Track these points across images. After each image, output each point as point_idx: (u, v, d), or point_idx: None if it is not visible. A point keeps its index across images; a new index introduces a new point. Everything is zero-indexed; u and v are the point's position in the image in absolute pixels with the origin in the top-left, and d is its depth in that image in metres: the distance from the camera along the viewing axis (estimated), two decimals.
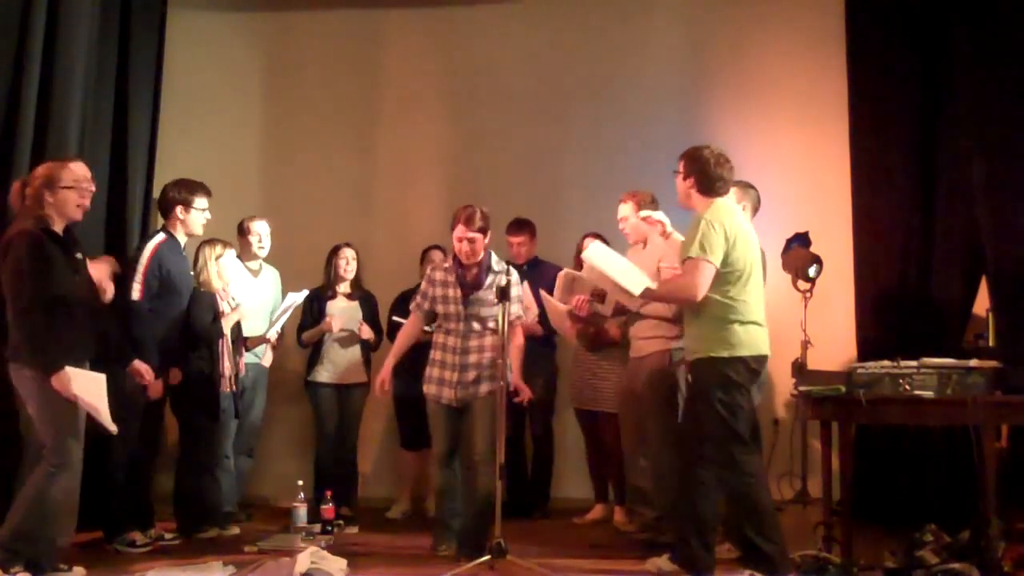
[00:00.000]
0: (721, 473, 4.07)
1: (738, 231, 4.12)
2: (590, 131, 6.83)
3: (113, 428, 4.15)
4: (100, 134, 5.73)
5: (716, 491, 4.12)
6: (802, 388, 4.62)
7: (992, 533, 4.05)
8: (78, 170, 4.41)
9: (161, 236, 5.11)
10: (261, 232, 5.91)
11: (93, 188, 4.58)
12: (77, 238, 4.30)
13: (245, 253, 5.88)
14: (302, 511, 5.10)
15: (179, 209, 5.10)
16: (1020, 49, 5.53)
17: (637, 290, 4.24)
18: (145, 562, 4.49)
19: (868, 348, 5.76)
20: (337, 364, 5.92)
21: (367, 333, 5.94)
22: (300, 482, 5.28)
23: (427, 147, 7.02)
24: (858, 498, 4.75)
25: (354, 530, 5.51)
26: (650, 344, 4.87)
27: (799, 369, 5.36)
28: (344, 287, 6.00)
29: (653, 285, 4.30)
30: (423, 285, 4.93)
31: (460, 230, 4.71)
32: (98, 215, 5.48)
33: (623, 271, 4.36)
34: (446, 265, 4.90)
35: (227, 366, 5.29)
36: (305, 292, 5.78)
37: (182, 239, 5.16)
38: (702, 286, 4.05)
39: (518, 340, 4.80)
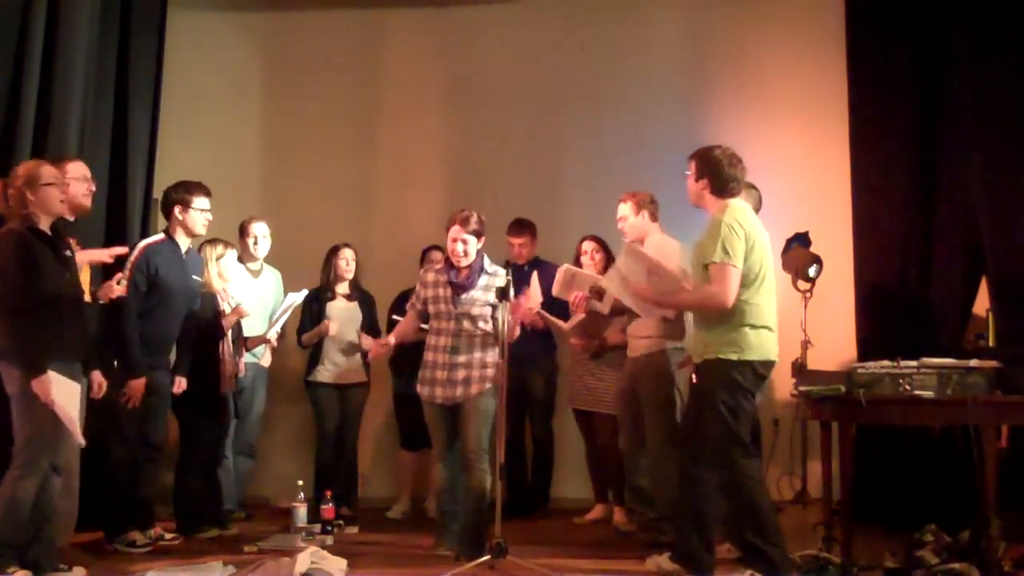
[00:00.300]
0: (721, 475, 4.06)
1: (756, 234, 4.09)
2: (590, 131, 6.83)
3: (81, 440, 4.08)
4: (100, 134, 5.73)
5: (717, 491, 4.12)
6: (802, 388, 4.61)
7: (992, 533, 4.05)
8: (75, 172, 4.42)
9: (157, 237, 5.09)
10: (258, 233, 5.91)
11: (93, 187, 4.59)
12: (65, 236, 4.25)
13: (245, 254, 5.89)
14: (302, 511, 5.10)
15: (177, 209, 5.03)
16: (1020, 49, 5.53)
17: (671, 285, 4.24)
18: (145, 562, 4.49)
19: (868, 348, 5.75)
20: (337, 364, 5.92)
21: (368, 343, 5.95)
22: (300, 482, 5.28)
23: (427, 147, 7.02)
24: (858, 498, 4.75)
25: (354, 530, 5.51)
26: (648, 344, 4.88)
27: (799, 369, 5.35)
28: (343, 287, 6.01)
29: (688, 286, 4.28)
30: (417, 287, 4.97)
31: (455, 230, 4.76)
32: (98, 215, 5.48)
33: (642, 288, 4.32)
34: (438, 267, 4.94)
35: (227, 366, 5.29)
36: (305, 292, 5.78)
37: (183, 242, 5.08)
38: (732, 292, 4.00)
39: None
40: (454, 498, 4.81)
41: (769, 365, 4.13)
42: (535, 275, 5.41)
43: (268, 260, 6.09)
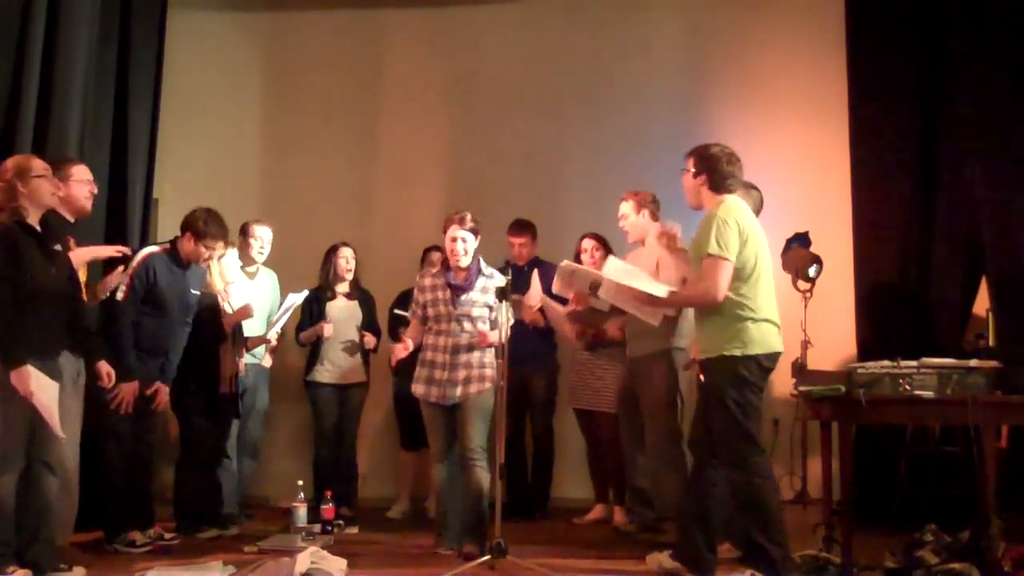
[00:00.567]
0: (731, 472, 4.06)
1: (751, 228, 4.10)
2: (590, 131, 6.83)
3: (61, 434, 4.02)
4: (100, 134, 5.73)
5: (724, 492, 4.12)
6: (802, 388, 4.61)
7: (992, 533, 4.04)
8: (79, 175, 4.42)
9: (162, 246, 5.04)
10: (264, 237, 5.87)
11: (95, 189, 4.59)
12: (55, 230, 4.22)
13: (243, 255, 5.86)
14: (302, 511, 5.10)
15: (192, 236, 4.99)
16: (1020, 49, 5.53)
17: (663, 293, 4.24)
18: (145, 562, 4.48)
19: (868, 348, 5.75)
20: (337, 364, 5.92)
21: (371, 342, 5.95)
22: (300, 482, 5.28)
23: (427, 147, 7.03)
24: (858, 498, 4.75)
25: (354, 530, 5.51)
26: (649, 344, 4.88)
27: (799, 369, 5.35)
28: (343, 287, 6.01)
29: (675, 289, 4.29)
30: (415, 293, 4.98)
31: (453, 230, 4.80)
32: (98, 215, 5.48)
33: (644, 282, 4.36)
34: (434, 270, 4.98)
35: (227, 367, 5.29)
36: (305, 292, 5.78)
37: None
38: (722, 286, 4.02)
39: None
40: (453, 498, 4.81)
41: (774, 357, 4.12)
42: (535, 274, 5.42)
43: (267, 260, 6.08)
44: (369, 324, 6.02)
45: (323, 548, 4.41)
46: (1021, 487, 4.82)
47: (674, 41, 6.87)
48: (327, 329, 5.84)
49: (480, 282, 4.83)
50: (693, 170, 4.23)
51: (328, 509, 5.21)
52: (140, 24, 6.18)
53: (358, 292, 6.05)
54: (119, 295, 4.83)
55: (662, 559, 4.27)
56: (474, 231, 4.83)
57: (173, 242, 5.06)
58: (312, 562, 4.06)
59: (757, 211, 4.91)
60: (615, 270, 4.48)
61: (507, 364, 4.49)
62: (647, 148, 6.55)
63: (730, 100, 6.71)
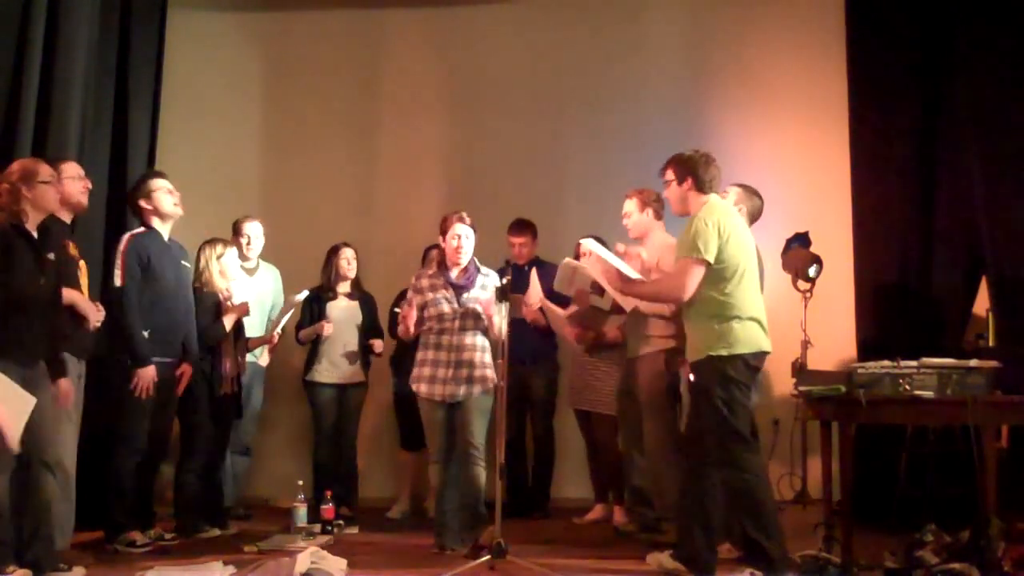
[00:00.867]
0: (722, 470, 4.06)
1: (732, 228, 4.12)
2: (590, 131, 6.83)
3: (16, 448, 3.88)
4: (100, 134, 5.74)
5: (721, 490, 4.12)
6: (802, 388, 4.61)
7: (992, 533, 4.04)
8: (70, 172, 4.41)
9: (138, 229, 5.02)
10: (251, 233, 5.90)
11: (89, 184, 4.59)
12: (53, 239, 4.20)
13: (239, 253, 5.85)
14: (302, 511, 5.10)
15: (142, 201, 4.99)
16: (1020, 49, 5.53)
17: (633, 276, 4.31)
18: (145, 562, 4.48)
19: (868, 348, 5.75)
20: (336, 364, 5.92)
21: (379, 347, 5.96)
22: (300, 482, 5.28)
23: (427, 147, 7.03)
24: (858, 498, 4.74)
25: (354, 530, 5.51)
26: (647, 344, 4.88)
27: (799, 369, 5.36)
28: (344, 287, 6.01)
29: (645, 280, 4.36)
30: (410, 294, 4.99)
31: (456, 227, 4.86)
32: (98, 215, 5.49)
33: (617, 263, 4.45)
34: (430, 271, 4.99)
35: (228, 367, 5.29)
36: (305, 292, 5.78)
37: (163, 230, 5.02)
38: (689, 286, 4.07)
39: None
40: (453, 498, 4.82)
41: (761, 356, 4.15)
42: (534, 273, 5.42)
43: (268, 258, 6.09)
44: (369, 325, 6.02)
45: (323, 548, 4.41)
46: (1021, 487, 4.81)
47: (674, 41, 6.87)
48: (327, 328, 5.84)
49: (479, 280, 4.90)
50: (675, 178, 4.27)
51: (328, 509, 5.21)
52: (140, 24, 6.19)
53: (359, 293, 6.05)
54: (116, 280, 4.80)
55: (662, 559, 4.27)
56: (473, 228, 4.90)
57: (144, 225, 5.02)
58: (312, 562, 4.06)
59: (756, 217, 4.92)
60: (594, 244, 4.56)
61: (507, 364, 4.49)
62: (647, 148, 6.52)
63: (730, 100, 6.71)
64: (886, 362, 4.43)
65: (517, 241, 6.13)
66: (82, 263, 4.54)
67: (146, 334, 4.82)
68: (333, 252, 6.02)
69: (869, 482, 5.49)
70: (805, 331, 5.91)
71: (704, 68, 6.81)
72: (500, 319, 4.54)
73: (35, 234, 4.09)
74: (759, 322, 4.14)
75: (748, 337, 4.08)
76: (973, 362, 4.37)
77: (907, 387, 4.33)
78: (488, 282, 4.89)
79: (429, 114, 7.05)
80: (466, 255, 4.87)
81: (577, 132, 6.87)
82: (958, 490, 5.01)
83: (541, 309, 5.50)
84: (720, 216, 4.12)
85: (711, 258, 4.04)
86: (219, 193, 6.74)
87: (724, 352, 4.04)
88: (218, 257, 5.34)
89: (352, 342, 5.94)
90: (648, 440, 4.87)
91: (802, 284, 6.02)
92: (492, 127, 6.93)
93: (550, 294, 5.37)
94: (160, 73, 6.49)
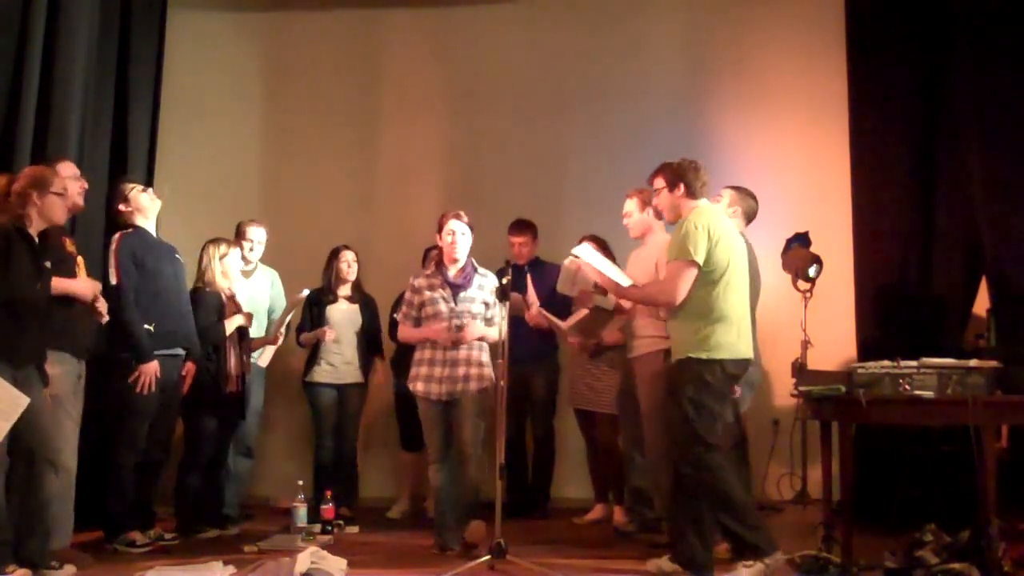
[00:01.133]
0: (685, 471, 4.11)
1: (721, 232, 4.17)
2: (590, 131, 6.83)
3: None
4: (100, 134, 5.74)
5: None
6: (802, 388, 4.61)
7: (992, 533, 4.04)
8: (66, 172, 4.42)
9: (127, 229, 4.99)
10: (255, 238, 5.88)
11: (85, 184, 4.59)
12: (52, 249, 4.20)
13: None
14: (302, 511, 5.10)
15: (122, 206, 5.00)
16: (1020, 49, 5.53)
17: (625, 282, 4.33)
18: (145, 562, 4.48)
19: (868, 348, 5.75)
20: (335, 365, 5.92)
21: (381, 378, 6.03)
22: (300, 482, 5.28)
23: (427, 147, 7.03)
24: (858, 498, 4.74)
25: (354, 530, 5.51)
26: (647, 344, 4.87)
27: (799, 369, 5.34)
28: (345, 290, 6.00)
29: (637, 285, 4.37)
30: (407, 295, 4.99)
31: (453, 224, 4.86)
32: (98, 215, 5.49)
33: (610, 269, 4.46)
34: (428, 271, 4.99)
35: (233, 366, 5.28)
36: (307, 292, 5.77)
37: (149, 226, 5.03)
38: (682, 289, 4.11)
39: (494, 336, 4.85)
40: (451, 498, 4.82)
41: (741, 364, 4.19)
42: (529, 280, 5.42)
43: (267, 259, 6.08)
44: (370, 328, 6.02)
45: (323, 548, 4.41)
46: (1021, 487, 4.81)
47: (674, 41, 6.87)
48: (329, 334, 5.83)
49: (476, 280, 4.90)
50: (666, 185, 4.33)
51: (328, 509, 5.22)
52: (140, 24, 6.19)
53: (359, 296, 6.05)
54: (112, 279, 4.80)
55: (662, 564, 4.27)
56: (470, 227, 4.90)
57: (131, 227, 5.00)
58: (312, 562, 4.06)
59: (748, 219, 4.93)
60: (586, 252, 4.57)
61: (507, 364, 4.49)
62: (647, 148, 6.51)
63: (730, 100, 6.71)
64: (886, 362, 4.43)
65: (517, 241, 6.13)
66: (80, 259, 4.54)
67: (151, 328, 4.83)
68: (334, 255, 6.01)
69: (869, 482, 5.48)
70: (805, 331, 5.91)
71: (704, 68, 6.81)
72: (501, 319, 4.54)
73: (36, 240, 4.09)
74: (743, 327, 4.18)
75: (730, 343, 4.12)
76: (973, 362, 4.38)
77: (907, 387, 4.33)
78: (485, 282, 4.90)
79: (429, 114, 7.05)
80: (461, 251, 4.86)
81: (577, 132, 6.87)
82: (958, 490, 5.01)
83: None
84: (709, 219, 4.17)
85: (701, 260, 4.08)
86: (219, 193, 6.74)
87: (703, 356, 4.09)
88: (221, 257, 5.34)
89: (351, 345, 5.94)
90: (648, 440, 4.87)
91: (802, 284, 6.01)
92: (492, 127, 6.93)
93: (552, 294, 5.37)
94: (160, 73, 6.49)
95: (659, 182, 4.36)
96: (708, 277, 4.11)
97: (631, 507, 5.26)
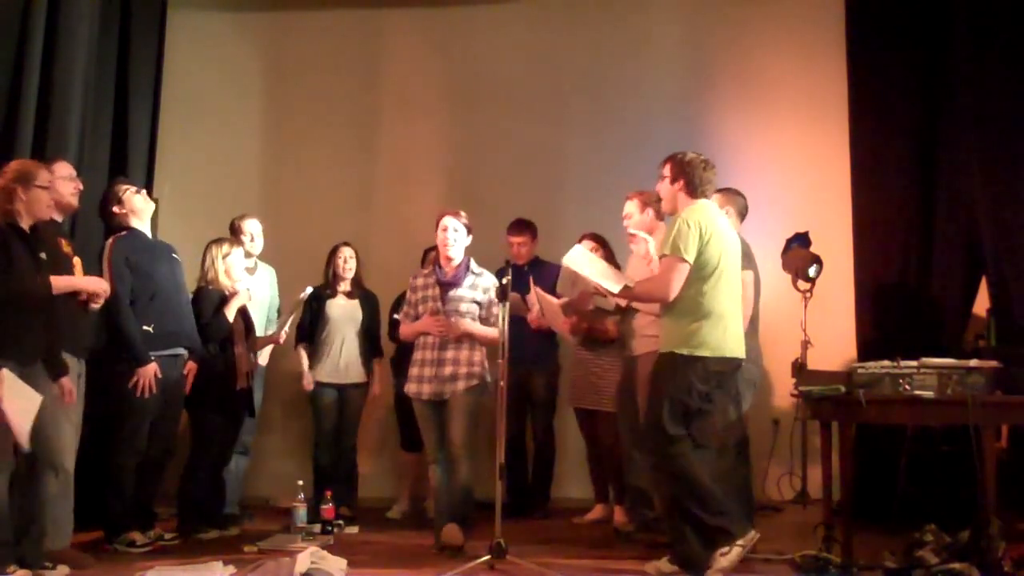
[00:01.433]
0: (651, 460, 4.17)
1: (713, 229, 4.18)
2: (590, 131, 6.83)
3: (26, 445, 3.92)
4: (100, 134, 5.74)
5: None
6: (802, 388, 4.61)
7: (992, 533, 4.04)
8: (61, 172, 4.41)
9: (120, 232, 4.98)
10: (253, 231, 5.90)
11: (80, 185, 4.58)
12: (44, 240, 4.20)
13: None
14: (302, 511, 5.10)
15: (116, 208, 4.99)
16: (1020, 49, 5.52)
17: (616, 288, 4.33)
18: (145, 562, 4.48)
19: (868, 348, 5.75)
20: (336, 364, 5.92)
21: (378, 389, 6.03)
22: (300, 482, 5.28)
23: (427, 147, 7.03)
24: (858, 498, 4.75)
25: (354, 530, 5.51)
26: (647, 342, 4.87)
27: (799, 369, 5.35)
28: (344, 286, 6.01)
29: (631, 284, 4.36)
30: (407, 294, 5.00)
31: (447, 220, 4.87)
32: (98, 216, 5.49)
33: (601, 273, 4.44)
34: (426, 270, 5.00)
35: (241, 363, 5.28)
36: (310, 290, 5.77)
37: (144, 227, 5.01)
38: (674, 285, 4.12)
39: (494, 335, 4.79)
40: (443, 498, 4.83)
41: (727, 362, 4.20)
42: (530, 280, 5.40)
43: (267, 258, 6.09)
44: (371, 324, 6.02)
45: (323, 548, 4.41)
46: (1021, 487, 4.81)
47: (674, 41, 6.87)
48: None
49: (469, 279, 4.88)
50: (670, 176, 4.33)
51: (328, 509, 5.21)
52: (140, 24, 6.19)
53: (360, 292, 6.05)
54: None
55: (660, 565, 4.26)
56: (467, 227, 4.89)
57: (126, 229, 4.99)
58: (312, 562, 4.06)
59: (741, 216, 4.93)
60: (577, 257, 4.52)
61: (507, 364, 4.49)
62: (647, 148, 6.50)
63: (730, 100, 6.71)
64: (886, 362, 4.43)
65: (516, 240, 6.13)
66: (76, 260, 4.53)
67: (151, 329, 4.83)
68: (332, 252, 6.03)
69: (869, 482, 5.49)
70: (805, 331, 5.91)
71: (704, 68, 6.81)
72: (501, 319, 4.53)
73: (28, 233, 4.09)
74: (730, 325, 4.19)
75: (716, 341, 4.14)
76: (973, 362, 4.37)
77: (907, 387, 4.33)
78: (480, 282, 4.88)
79: (429, 114, 7.05)
80: (454, 249, 4.85)
81: (577, 132, 6.87)
82: (958, 490, 5.01)
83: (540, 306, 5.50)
84: (701, 217, 4.18)
85: (691, 258, 4.11)
86: (219, 193, 6.74)
87: (686, 352, 4.12)
88: (224, 256, 5.35)
89: (352, 341, 5.94)
90: (648, 439, 4.87)
91: (802, 284, 6.02)
92: (492, 127, 6.93)
93: (552, 294, 5.35)
94: (160, 73, 6.49)
95: (666, 170, 4.36)
96: (698, 274, 4.14)
97: (631, 507, 5.26)
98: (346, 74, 7.12)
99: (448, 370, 4.78)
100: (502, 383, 4.45)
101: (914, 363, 4.38)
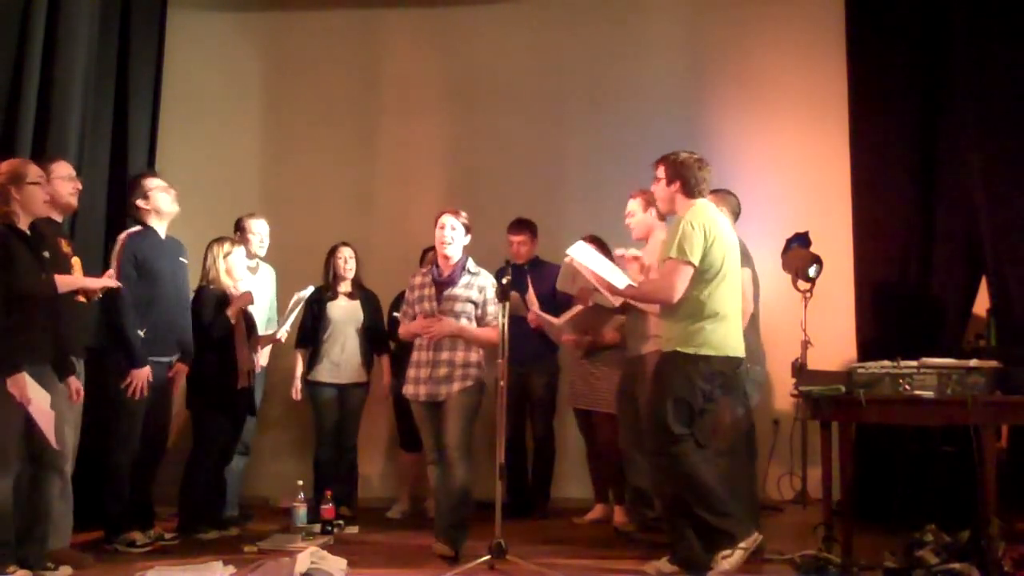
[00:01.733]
0: (654, 461, 4.16)
1: (717, 231, 4.19)
2: (590, 131, 6.83)
3: (56, 445, 3.99)
4: (100, 134, 5.74)
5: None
6: (802, 388, 4.61)
7: (992, 533, 4.04)
8: (60, 171, 4.41)
9: (135, 228, 5.00)
10: (261, 231, 5.89)
11: (79, 185, 4.58)
12: (44, 237, 4.20)
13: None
14: (302, 511, 5.10)
15: (140, 202, 4.98)
16: (1020, 49, 5.52)
17: (620, 285, 4.34)
18: (145, 562, 4.48)
19: (868, 348, 5.75)
20: (337, 364, 5.92)
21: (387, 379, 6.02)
22: (300, 482, 5.28)
23: (427, 147, 7.03)
24: (858, 498, 4.75)
25: (354, 530, 5.51)
26: (648, 343, 4.88)
27: (799, 369, 5.35)
28: (344, 286, 6.01)
29: (634, 284, 4.37)
30: (407, 294, 4.99)
31: (445, 218, 4.84)
32: (98, 215, 5.50)
33: (605, 268, 4.45)
34: (424, 269, 5.00)
35: (243, 362, 5.28)
36: (311, 289, 5.77)
37: (160, 227, 5.01)
38: (679, 288, 4.13)
39: (493, 335, 4.76)
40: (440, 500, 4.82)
41: (730, 361, 4.21)
42: (528, 279, 5.41)
43: (268, 257, 6.08)
44: (371, 323, 6.02)
45: (323, 548, 4.41)
46: (1021, 487, 4.81)
47: (674, 41, 6.87)
48: (335, 328, 5.79)
49: (465, 279, 4.83)
50: (665, 178, 4.34)
51: (328, 509, 5.21)
52: (140, 24, 6.19)
53: (360, 292, 6.05)
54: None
55: (660, 566, 4.26)
56: (466, 227, 4.86)
57: (141, 224, 5.00)
58: (312, 562, 4.06)
59: (735, 215, 4.94)
60: (582, 251, 4.52)
61: (507, 364, 4.48)
62: (647, 148, 6.45)
63: (730, 100, 6.71)
64: (886, 362, 4.43)
65: (516, 240, 6.13)
66: (75, 259, 4.53)
67: (141, 333, 4.81)
68: (331, 252, 6.03)
69: (869, 482, 5.49)
70: (805, 331, 5.91)
71: (704, 68, 6.81)
72: (501, 319, 4.53)
73: (28, 233, 4.09)
74: (733, 324, 4.20)
75: (718, 340, 4.15)
76: (973, 362, 4.37)
77: (907, 387, 4.33)
78: (476, 281, 4.82)
79: (429, 113, 7.05)
80: (452, 247, 4.81)
81: (577, 132, 6.87)
82: (958, 490, 5.01)
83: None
84: (705, 219, 4.19)
85: (696, 261, 4.12)
86: (219, 193, 6.74)
87: (690, 351, 4.13)
88: (225, 256, 5.34)
89: (353, 341, 5.94)
90: (648, 439, 4.87)
91: (802, 284, 6.02)
92: (492, 126, 6.93)
93: (552, 293, 5.36)
94: (160, 73, 6.49)
95: (660, 172, 4.37)
96: (703, 276, 4.15)
97: (631, 507, 5.26)
98: (346, 74, 7.12)
99: (443, 371, 4.75)
100: (502, 383, 4.44)
101: (914, 363, 4.38)
